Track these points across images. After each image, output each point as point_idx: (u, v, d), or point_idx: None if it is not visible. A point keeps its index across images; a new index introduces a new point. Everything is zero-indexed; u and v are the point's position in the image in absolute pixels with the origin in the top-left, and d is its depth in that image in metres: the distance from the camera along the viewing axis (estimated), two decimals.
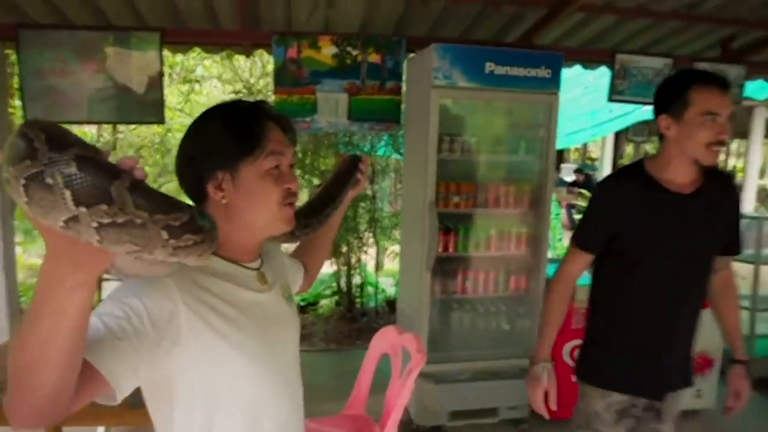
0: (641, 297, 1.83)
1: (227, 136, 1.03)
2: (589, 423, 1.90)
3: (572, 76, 3.72)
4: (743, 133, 10.25)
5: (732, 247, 1.92)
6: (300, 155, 4.82)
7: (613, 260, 1.86)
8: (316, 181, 4.96)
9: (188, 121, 5.39)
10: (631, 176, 1.84)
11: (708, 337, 3.57)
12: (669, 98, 1.74)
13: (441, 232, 3.26)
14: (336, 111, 3.55)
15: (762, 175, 12.26)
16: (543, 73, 3.15)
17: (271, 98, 4.96)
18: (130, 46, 3.27)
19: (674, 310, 1.83)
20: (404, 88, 3.59)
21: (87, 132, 6.01)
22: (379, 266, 5.81)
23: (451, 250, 3.37)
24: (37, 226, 0.65)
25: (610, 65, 3.85)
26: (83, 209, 0.61)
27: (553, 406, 1.90)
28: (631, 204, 1.78)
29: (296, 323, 1.23)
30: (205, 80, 4.99)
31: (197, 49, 4.03)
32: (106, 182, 0.62)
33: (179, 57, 5.00)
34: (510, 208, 3.43)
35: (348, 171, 1.42)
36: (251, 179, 1.03)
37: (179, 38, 3.47)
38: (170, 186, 5.30)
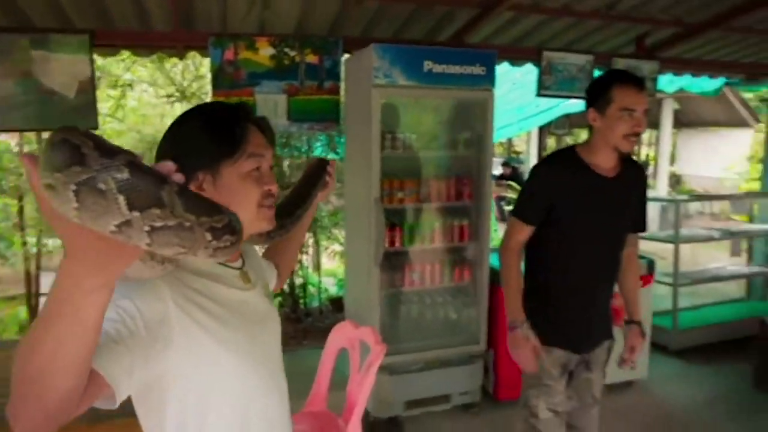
0: (572, 265, 2.12)
1: (208, 137, 1.05)
2: (540, 379, 2.14)
3: (501, 72, 3.88)
4: (654, 124, 10.93)
5: (639, 225, 2.27)
6: None
7: (548, 232, 2.12)
8: None
9: (120, 127, 5.24)
10: (565, 159, 2.13)
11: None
12: (595, 95, 2.05)
13: (387, 227, 3.33)
14: (275, 112, 3.54)
15: (672, 162, 13.08)
16: (478, 70, 3.28)
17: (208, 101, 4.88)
18: (56, 49, 3.14)
19: (597, 277, 2.15)
20: (343, 87, 3.64)
21: (2, 141, 5.69)
22: (318, 265, 5.82)
23: (397, 244, 3.45)
24: (59, 228, 0.65)
25: (537, 62, 4.05)
26: (136, 213, 0.62)
27: (534, 368, 2.13)
28: (565, 182, 2.07)
29: (278, 321, 1.26)
30: (136, 84, 4.84)
31: (125, 53, 3.91)
32: (158, 187, 0.64)
33: (106, 61, 4.82)
34: (452, 202, 3.55)
35: (316, 173, 1.46)
36: (232, 180, 1.05)
37: (109, 40, 3.36)
38: None
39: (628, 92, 1.99)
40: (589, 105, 2.07)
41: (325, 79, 3.58)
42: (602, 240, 2.12)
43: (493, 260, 3.42)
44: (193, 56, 4.23)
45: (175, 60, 4.82)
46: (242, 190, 1.06)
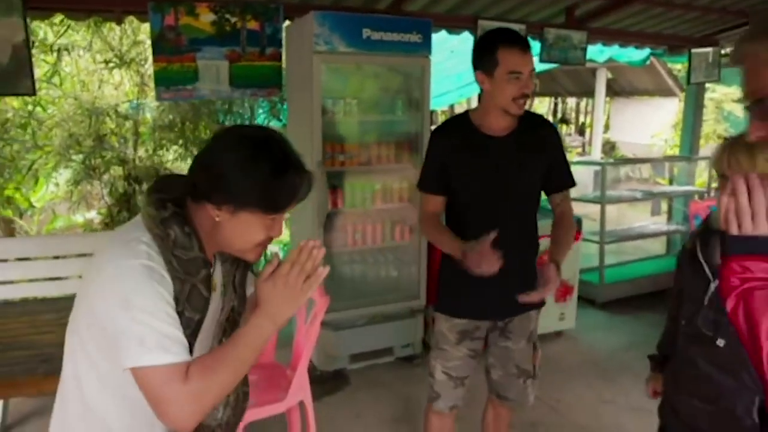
0: (472, 229, 2.00)
1: (260, 196, 1.11)
2: (437, 343, 2.20)
3: (439, 41, 4.00)
4: (589, 93, 11.35)
5: (561, 183, 2.18)
6: (179, 125, 4.78)
7: (451, 199, 2.14)
8: (195, 151, 4.95)
9: (57, 93, 5.12)
10: (456, 124, 2.16)
11: (566, 268, 4.14)
12: (481, 57, 1.98)
13: (329, 189, 3.46)
14: (218, 78, 3.58)
15: (606, 129, 13.63)
16: (415, 38, 3.42)
17: (148, 67, 4.83)
18: None
19: (501, 242, 1.89)
20: (284, 54, 3.70)
21: None
22: None
23: (339, 205, 3.59)
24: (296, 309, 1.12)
25: (473, 31, 4.20)
26: None
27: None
28: (456, 147, 2.07)
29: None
30: (71, 50, 4.72)
31: (59, 17, 3.85)
32: None
33: (36, 25, 4.68)
34: (392, 164, 3.69)
35: None
36: (249, 221, 1.14)
37: (43, 2, 3.31)
38: (41, 161, 5.00)
39: (514, 55, 1.93)
40: (475, 68, 2.00)
41: (266, 46, 3.63)
42: (500, 200, 2.07)
43: None
44: (131, 21, 4.20)
45: (111, 25, 4.74)
46: (250, 231, 1.15)
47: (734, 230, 0.95)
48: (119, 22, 3.89)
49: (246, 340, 1.10)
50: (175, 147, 4.97)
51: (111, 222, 4.80)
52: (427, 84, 3.57)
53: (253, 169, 1.09)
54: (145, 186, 4.92)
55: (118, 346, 1.05)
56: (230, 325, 1.31)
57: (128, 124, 5.00)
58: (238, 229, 1.15)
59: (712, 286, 1.51)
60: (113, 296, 1.06)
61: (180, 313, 1.11)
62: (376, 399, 3.36)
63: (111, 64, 4.71)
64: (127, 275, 1.06)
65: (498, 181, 2.04)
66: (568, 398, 3.39)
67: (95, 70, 5.03)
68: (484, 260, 1.86)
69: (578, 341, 4.23)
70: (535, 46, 3.72)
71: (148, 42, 4.91)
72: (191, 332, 1.14)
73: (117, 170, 4.82)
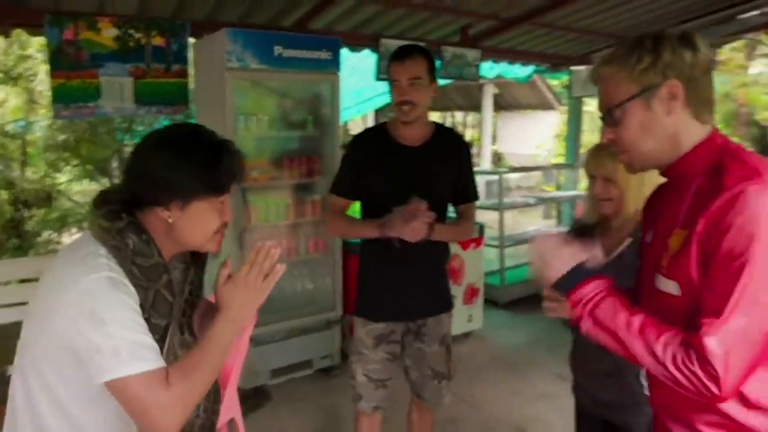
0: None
1: (203, 180, 1.15)
2: (357, 347, 2.30)
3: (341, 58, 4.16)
4: (477, 107, 11.98)
5: (464, 194, 2.30)
6: (73, 143, 4.54)
7: (365, 206, 2.28)
8: (89, 167, 4.72)
9: None
10: (373, 134, 2.32)
11: (472, 272, 4.40)
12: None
13: (243, 205, 3.46)
14: (121, 95, 3.48)
15: (494, 141, 14.41)
16: (324, 55, 3.52)
17: (38, 83, 4.57)
18: None
19: (409, 246, 2.04)
20: (191, 70, 3.66)
21: None
22: None
23: (253, 221, 3.59)
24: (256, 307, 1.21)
25: (375, 48, 4.37)
26: None
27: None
28: (370, 155, 2.21)
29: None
30: None
31: None
32: None
33: None
34: (303, 179, 3.75)
35: None
36: (200, 210, 1.19)
37: None
38: None
39: (393, 66, 2.11)
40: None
41: (172, 62, 3.58)
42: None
43: None
44: (19, 34, 3.96)
45: None
46: (206, 220, 1.21)
47: (546, 284, 1.23)
48: (6, 35, 3.68)
49: (213, 343, 1.15)
50: (69, 167, 4.71)
51: None
52: (337, 100, 3.68)
53: (189, 162, 1.15)
54: (35, 210, 4.63)
55: (91, 362, 1.06)
56: (187, 321, 1.35)
57: (13, 144, 4.68)
58: (192, 222, 1.19)
59: None
60: (81, 315, 1.06)
61: (147, 320, 1.13)
62: (299, 413, 3.38)
63: None
64: (91, 291, 1.07)
65: (409, 188, 2.11)
66: (482, 393, 3.60)
67: None
68: (410, 228, 1.97)
69: (486, 340, 4.48)
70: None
71: (39, 56, 4.68)
72: (159, 338, 1.16)
73: (3, 194, 4.49)
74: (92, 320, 1.05)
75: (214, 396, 1.40)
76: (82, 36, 3.28)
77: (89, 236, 1.19)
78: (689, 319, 1.07)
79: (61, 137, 4.52)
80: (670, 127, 1.14)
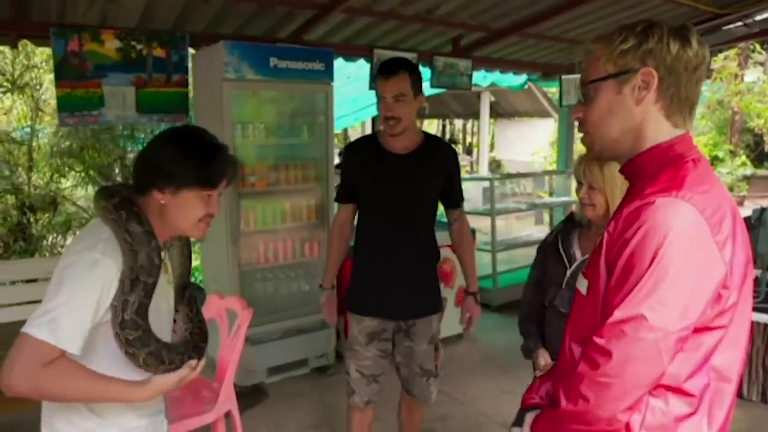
0: (372, 233, 2.36)
1: (196, 174, 1.34)
2: (351, 345, 2.43)
3: (337, 68, 4.26)
4: (475, 114, 12.13)
5: (453, 199, 2.45)
6: (78, 150, 4.68)
7: (359, 208, 2.44)
8: (92, 173, 4.86)
9: None
10: (364, 143, 2.47)
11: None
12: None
13: (241, 209, 3.59)
14: (124, 104, 3.62)
15: (491, 148, 14.57)
16: (318, 66, 3.66)
17: (43, 92, 4.71)
18: None
19: (397, 245, 2.31)
20: (191, 80, 3.80)
21: None
22: None
23: (251, 225, 3.72)
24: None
25: (369, 58, 4.51)
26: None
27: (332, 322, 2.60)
28: (362, 162, 2.35)
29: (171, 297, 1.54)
30: None
31: None
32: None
33: None
34: (299, 185, 3.89)
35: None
36: (187, 198, 1.36)
37: None
38: None
39: (379, 82, 2.20)
40: None
41: (173, 73, 3.72)
42: (398, 209, 2.30)
43: None
44: (25, 45, 4.12)
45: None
46: (192, 207, 1.37)
47: None
48: (13, 46, 3.83)
49: (113, 386, 1.27)
50: (73, 173, 4.85)
51: (5, 252, 4.58)
52: (331, 109, 3.82)
53: (187, 155, 1.34)
54: (40, 214, 4.77)
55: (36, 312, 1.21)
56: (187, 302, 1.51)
57: (19, 151, 4.82)
58: (181, 207, 1.36)
59: (568, 272, 1.92)
60: (56, 275, 1.24)
61: (135, 280, 1.28)
62: (295, 408, 3.50)
63: (2, 89, 4.55)
64: (73, 262, 1.25)
65: (397, 194, 2.28)
66: (473, 392, 3.72)
67: None
68: (326, 312, 2.58)
69: (478, 342, 4.60)
70: (426, 72, 4.07)
71: (44, 66, 4.84)
72: (145, 294, 1.31)
73: (10, 199, 4.63)
74: (57, 281, 1.23)
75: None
76: (86, 47, 3.43)
77: (98, 221, 1.38)
78: (587, 320, 1.08)
79: (66, 144, 4.67)
80: (637, 117, 1.08)
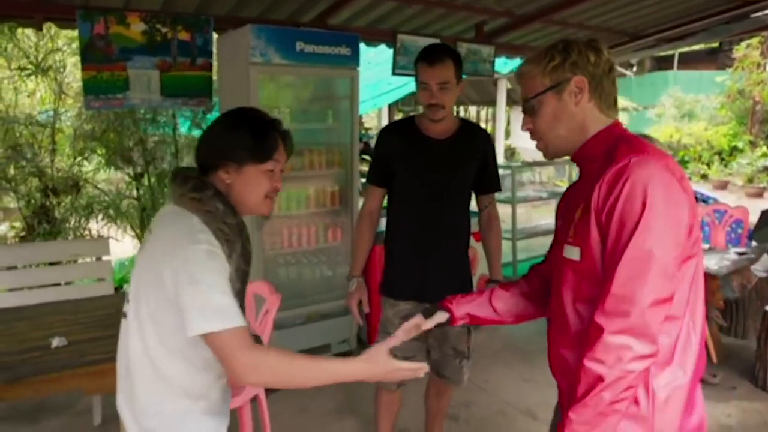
0: (408, 217, 2.36)
1: (250, 146, 1.39)
2: (384, 327, 2.40)
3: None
4: (490, 102, 12.03)
5: (487, 185, 2.47)
6: (101, 133, 4.69)
7: (392, 192, 2.43)
8: (119, 161, 4.88)
9: None
10: (402, 126, 2.44)
11: (485, 265, 4.49)
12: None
13: None
14: (148, 87, 3.62)
15: (507, 136, 14.47)
16: (344, 51, 3.64)
17: (66, 74, 4.71)
18: None
19: (432, 229, 2.32)
20: (215, 64, 3.79)
21: None
22: None
23: (276, 210, 3.71)
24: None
25: (391, 44, 4.48)
26: None
27: (367, 309, 2.46)
28: (400, 145, 2.36)
29: None
30: None
31: None
32: None
33: None
34: (323, 170, 3.88)
35: None
36: (252, 174, 1.40)
37: None
38: None
39: (422, 68, 2.18)
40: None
41: (197, 56, 3.71)
42: (434, 194, 2.31)
43: None
44: (49, 27, 4.11)
45: (24, 31, 4.59)
46: (257, 183, 1.41)
47: None
48: (38, 28, 3.82)
49: (333, 369, 1.36)
50: (95, 156, 4.87)
51: (29, 234, 4.62)
52: (356, 94, 3.80)
53: (236, 132, 1.39)
54: (63, 197, 4.79)
55: (186, 316, 1.24)
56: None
57: (42, 134, 4.84)
58: (246, 184, 1.40)
59: None
60: (183, 277, 1.26)
61: (237, 269, 1.36)
62: (319, 393, 3.50)
63: (27, 71, 4.56)
64: (192, 258, 1.27)
65: (434, 179, 2.30)
66: (495, 379, 3.72)
67: (7, 78, 4.83)
68: (350, 305, 2.45)
69: (499, 329, 4.58)
70: None
71: (67, 49, 4.83)
72: (243, 282, 1.41)
73: (33, 181, 4.65)
74: (190, 282, 1.24)
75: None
76: (112, 30, 3.42)
77: (178, 209, 1.38)
78: (589, 282, 1.27)
79: (88, 127, 4.67)
80: (578, 115, 1.33)
